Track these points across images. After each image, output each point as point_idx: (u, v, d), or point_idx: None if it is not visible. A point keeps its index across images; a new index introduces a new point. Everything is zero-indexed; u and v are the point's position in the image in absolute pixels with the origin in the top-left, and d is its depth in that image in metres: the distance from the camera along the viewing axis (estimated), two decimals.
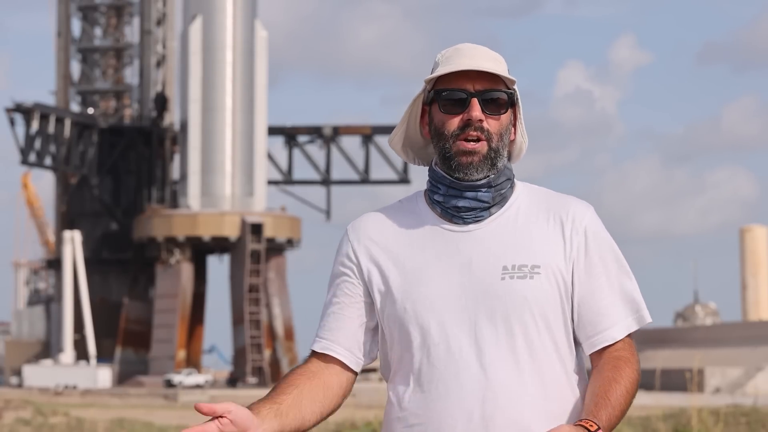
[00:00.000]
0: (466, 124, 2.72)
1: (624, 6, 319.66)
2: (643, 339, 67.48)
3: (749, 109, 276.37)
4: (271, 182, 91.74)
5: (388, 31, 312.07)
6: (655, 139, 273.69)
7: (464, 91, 2.73)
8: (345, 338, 2.80)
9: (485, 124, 2.72)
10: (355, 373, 2.84)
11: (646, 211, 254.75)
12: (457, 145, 2.72)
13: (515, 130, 2.81)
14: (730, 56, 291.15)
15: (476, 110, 2.71)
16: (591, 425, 2.56)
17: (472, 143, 2.72)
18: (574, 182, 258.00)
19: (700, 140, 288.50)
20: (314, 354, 2.82)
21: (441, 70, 2.74)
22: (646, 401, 22.68)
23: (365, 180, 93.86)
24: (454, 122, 2.73)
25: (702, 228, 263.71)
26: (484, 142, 2.72)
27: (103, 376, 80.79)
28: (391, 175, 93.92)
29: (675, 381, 26.50)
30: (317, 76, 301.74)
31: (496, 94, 2.73)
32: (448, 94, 2.74)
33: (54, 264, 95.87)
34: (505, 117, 2.76)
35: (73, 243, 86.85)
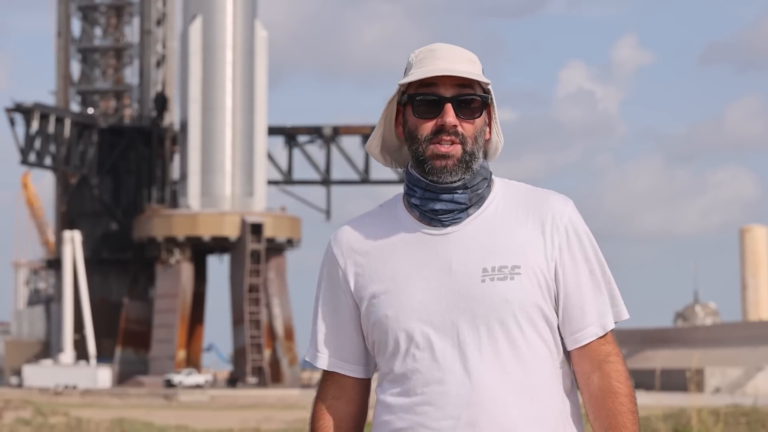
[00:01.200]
0: (440, 129, 2.70)
1: (626, 6, 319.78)
2: (643, 339, 67.34)
3: (752, 109, 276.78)
4: (271, 182, 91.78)
5: (391, 31, 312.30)
6: (657, 139, 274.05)
7: (438, 96, 2.70)
8: (351, 354, 2.82)
9: (459, 128, 2.70)
10: (370, 378, 2.87)
11: (648, 211, 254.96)
12: (431, 149, 2.71)
13: (490, 129, 2.79)
14: (732, 56, 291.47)
15: (450, 116, 2.69)
16: None
17: (446, 146, 2.70)
18: (576, 182, 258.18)
19: (703, 140, 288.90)
20: (327, 372, 2.85)
21: (415, 75, 2.71)
22: (646, 401, 22.67)
23: (365, 180, 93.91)
24: (428, 127, 2.71)
25: (703, 228, 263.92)
26: (459, 146, 2.71)
27: (103, 376, 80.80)
28: (391, 176, 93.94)
29: (675, 381, 26.53)
30: (319, 76, 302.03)
31: (470, 98, 2.71)
32: (422, 98, 2.71)
33: (54, 264, 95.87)
34: (480, 119, 2.74)
35: (73, 243, 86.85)
